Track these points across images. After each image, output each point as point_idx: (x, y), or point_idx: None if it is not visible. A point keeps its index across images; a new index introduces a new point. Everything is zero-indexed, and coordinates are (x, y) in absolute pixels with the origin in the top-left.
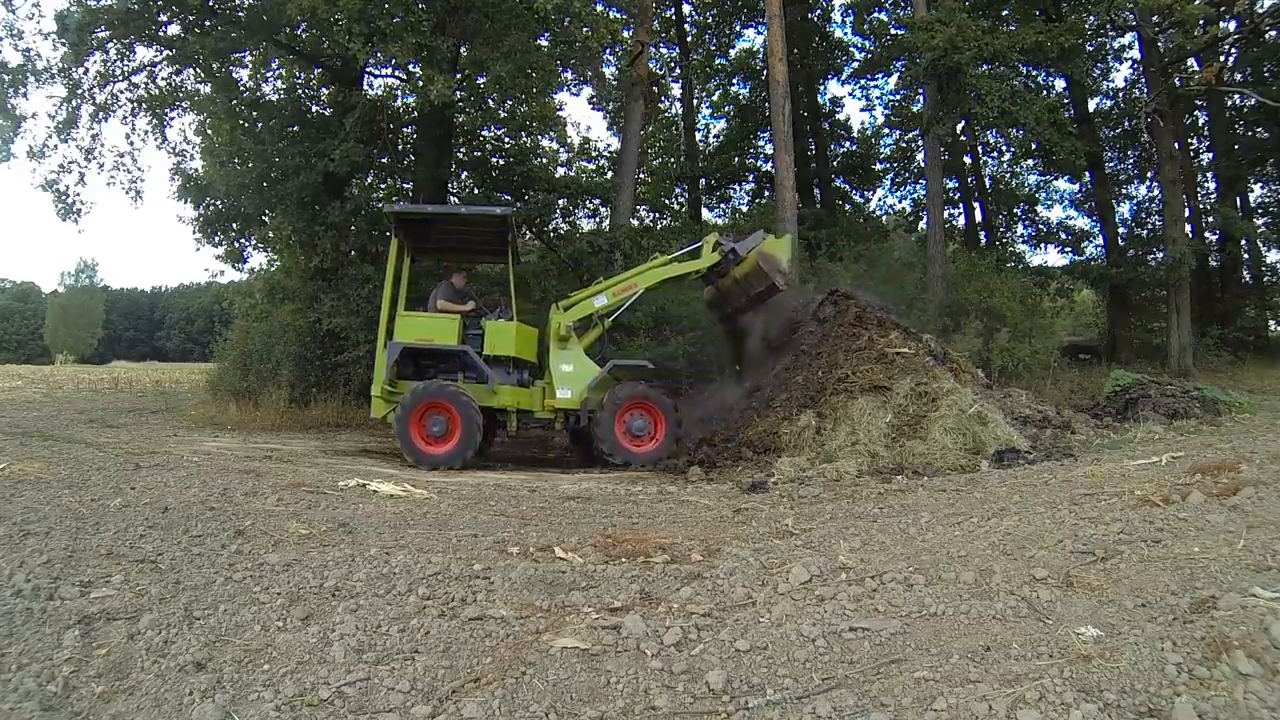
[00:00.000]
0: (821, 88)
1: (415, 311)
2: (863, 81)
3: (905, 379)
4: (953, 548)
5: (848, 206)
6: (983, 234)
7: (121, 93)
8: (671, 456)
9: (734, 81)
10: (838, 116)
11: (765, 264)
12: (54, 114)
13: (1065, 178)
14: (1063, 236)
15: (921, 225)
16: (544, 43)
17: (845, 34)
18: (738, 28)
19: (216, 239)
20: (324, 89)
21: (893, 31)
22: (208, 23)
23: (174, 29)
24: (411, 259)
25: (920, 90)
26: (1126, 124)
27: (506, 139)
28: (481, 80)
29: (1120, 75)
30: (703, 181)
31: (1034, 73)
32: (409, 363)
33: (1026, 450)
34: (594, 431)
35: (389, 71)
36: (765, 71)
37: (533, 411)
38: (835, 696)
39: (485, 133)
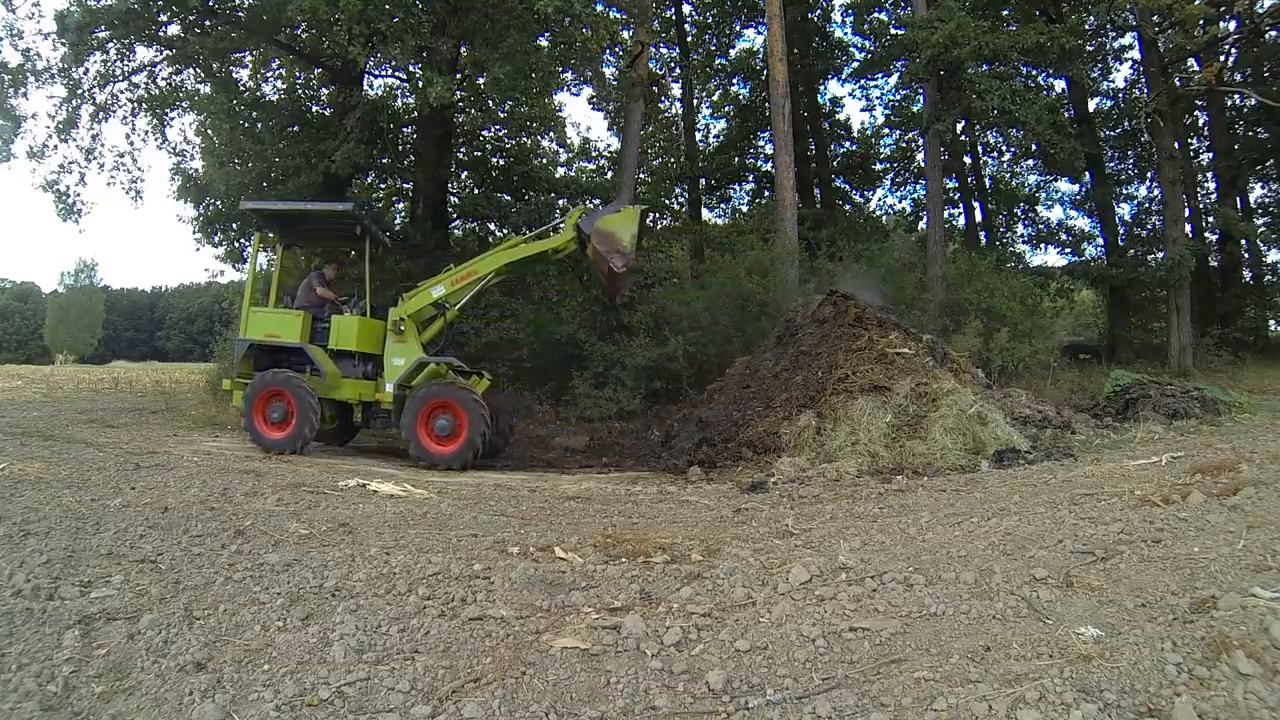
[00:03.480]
0: (821, 88)
1: (264, 307)
2: (863, 81)
3: (905, 379)
4: (953, 548)
5: (848, 206)
6: (983, 234)
7: (121, 93)
8: (476, 458)
9: (734, 81)
10: (838, 116)
11: (600, 243)
12: (54, 114)
13: (1065, 178)
14: (1063, 237)
15: (921, 225)
16: (544, 43)
17: (845, 34)
18: (738, 28)
19: (216, 239)
20: (324, 89)
21: (893, 31)
22: (208, 23)
23: (174, 29)
24: (286, 248)
25: (920, 90)
26: (1126, 124)
27: (506, 139)
28: (481, 81)
29: (1120, 75)
30: (703, 181)
31: (1034, 73)
32: (266, 356)
33: (1026, 450)
34: (401, 430)
35: (389, 72)
36: (765, 71)
37: (379, 403)
38: (835, 696)
39: (485, 133)
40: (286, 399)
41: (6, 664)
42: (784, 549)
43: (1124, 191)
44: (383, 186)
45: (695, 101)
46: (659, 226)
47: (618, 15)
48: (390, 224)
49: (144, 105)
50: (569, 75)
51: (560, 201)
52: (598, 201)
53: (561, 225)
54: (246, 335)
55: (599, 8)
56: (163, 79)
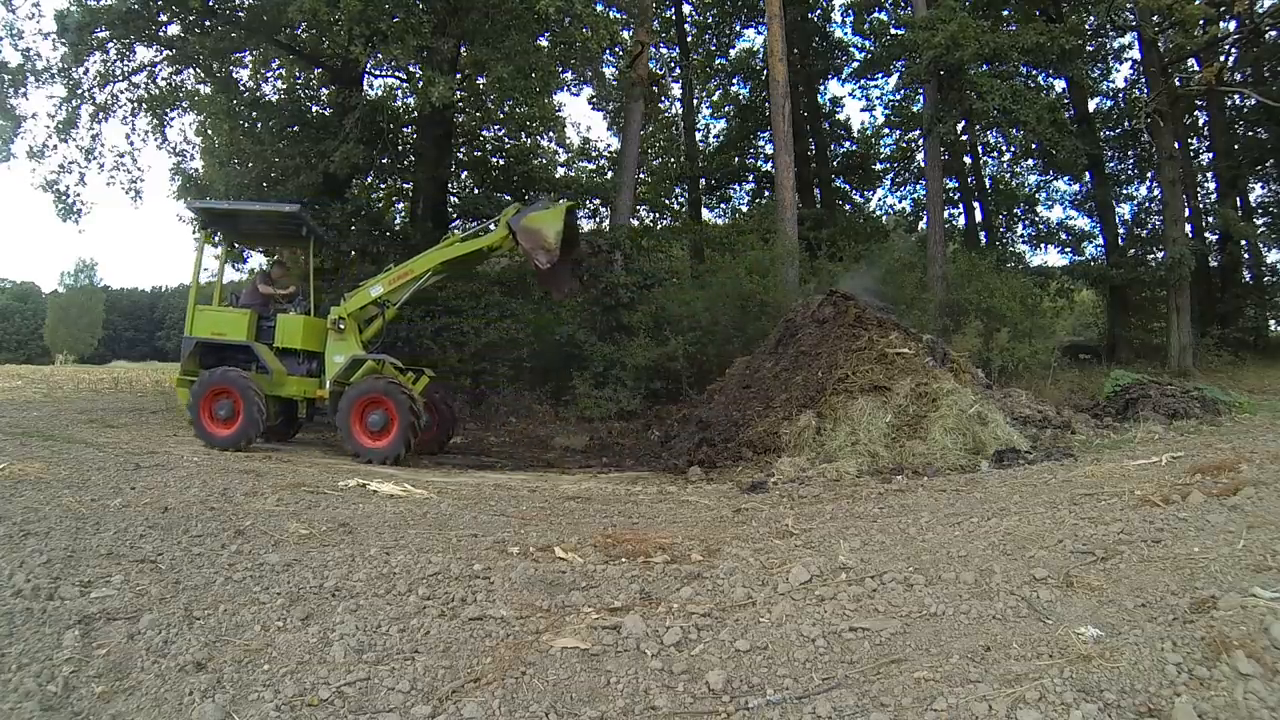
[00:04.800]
0: (821, 88)
1: (209, 306)
2: (863, 81)
3: (905, 379)
4: (953, 548)
5: (848, 206)
6: (983, 234)
7: (121, 93)
8: (407, 450)
9: (734, 81)
10: (838, 116)
11: (525, 240)
12: (54, 114)
13: (1065, 178)
14: (1063, 237)
15: (921, 225)
16: (544, 43)
17: (845, 34)
18: (738, 28)
19: (216, 239)
20: (324, 89)
21: (893, 31)
22: (208, 23)
23: (174, 29)
24: (231, 247)
25: (920, 90)
26: (1126, 124)
27: (506, 139)
28: (482, 81)
29: (1120, 75)
30: (703, 181)
31: (1034, 73)
32: (211, 354)
33: (1026, 450)
34: (337, 425)
35: (389, 72)
36: (765, 71)
37: (322, 400)
38: (835, 696)
39: (485, 133)
40: (233, 396)
41: (6, 664)
42: (784, 549)
43: (1124, 191)
44: (383, 186)
45: (695, 101)
46: (659, 226)
47: (618, 15)
48: (336, 226)
49: (144, 105)
50: (569, 75)
51: (560, 201)
52: (526, 198)
53: (496, 223)
54: (193, 333)
55: (599, 8)
56: (163, 79)
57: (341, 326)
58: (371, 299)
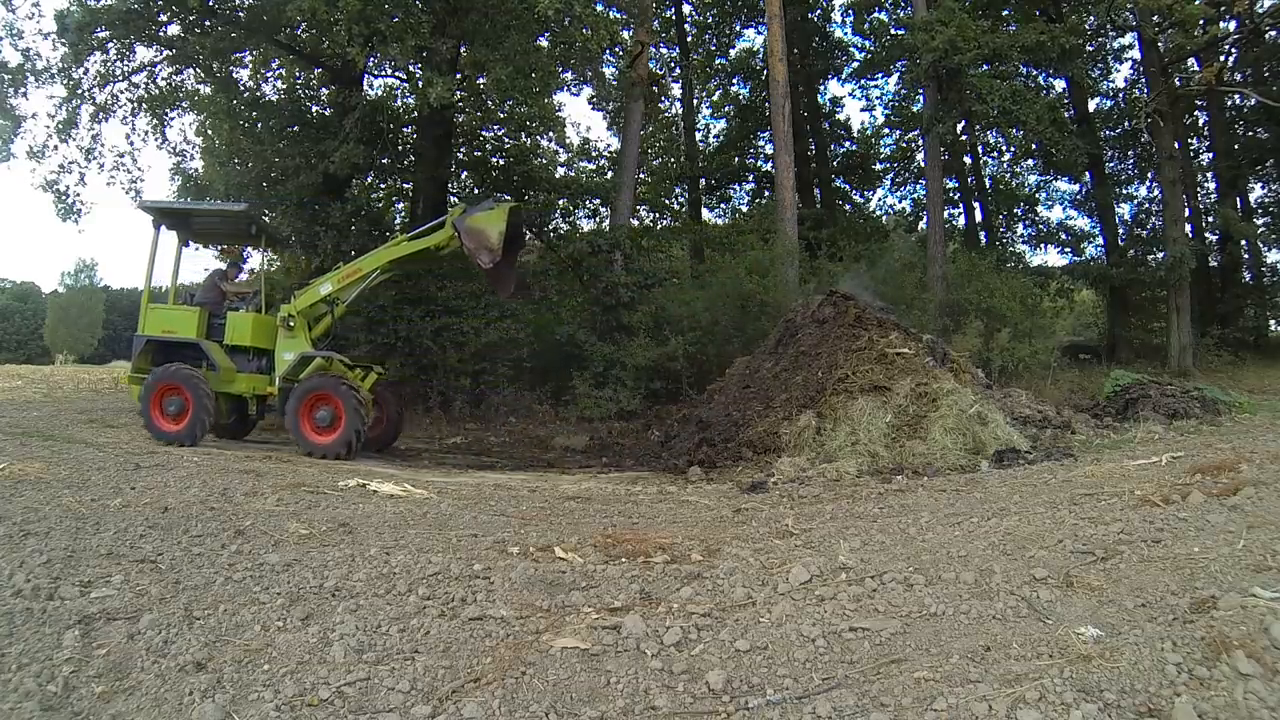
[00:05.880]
0: (821, 88)
1: (161, 304)
2: (863, 81)
3: (905, 379)
4: (953, 548)
5: (848, 206)
6: (983, 234)
7: (121, 93)
8: (355, 446)
9: (734, 81)
10: (838, 116)
11: (469, 240)
12: (54, 114)
13: (1065, 178)
14: (1063, 237)
15: (921, 225)
16: (544, 43)
17: (845, 34)
18: (738, 28)
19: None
20: (324, 89)
21: (893, 32)
22: (208, 23)
23: (174, 29)
24: (185, 244)
25: (920, 90)
26: (1126, 124)
27: (506, 139)
28: (482, 81)
29: (1120, 75)
30: (703, 181)
31: (1034, 73)
32: (163, 352)
33: (1026, 450)
34: (285, 423)
35: (389, 72)
36: (765, 71)
37: (272, 396)
38: (835, 696)
39: (485, 133)
40: (182, 393)
41: (6, 664)
42: (784, 549)
43: (1124, 191)
44: (383, 186)
45: (695, 101)
46: (659, 226)
47: (618, 15)
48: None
49: (144, 105)
50: (569, 75)
51: (560, 201)
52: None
53: (443, 223)
54: (144, 331)
55: (599, 8)
56: (163, 79)
57: (291, 324)
58: (321, 297)
